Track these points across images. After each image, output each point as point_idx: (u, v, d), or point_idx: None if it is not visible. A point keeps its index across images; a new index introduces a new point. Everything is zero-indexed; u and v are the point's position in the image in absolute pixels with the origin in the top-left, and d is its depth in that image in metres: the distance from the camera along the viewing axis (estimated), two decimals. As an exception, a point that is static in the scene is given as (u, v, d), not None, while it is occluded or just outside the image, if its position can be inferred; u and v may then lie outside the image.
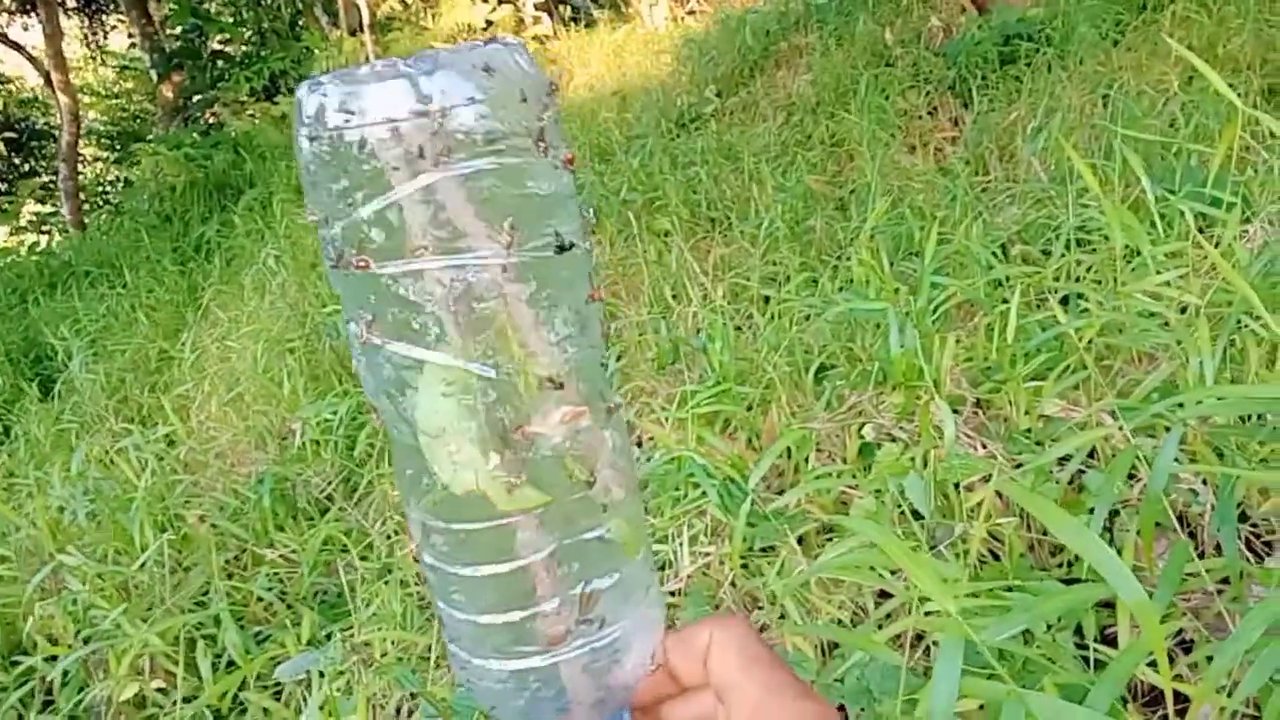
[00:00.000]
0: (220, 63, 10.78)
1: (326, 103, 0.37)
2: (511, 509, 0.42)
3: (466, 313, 0.38)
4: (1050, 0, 5.02)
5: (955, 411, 1.67)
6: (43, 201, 14.27)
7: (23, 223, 13.75)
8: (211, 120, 10.86)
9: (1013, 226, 2.59)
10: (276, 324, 3.49)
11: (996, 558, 1.55)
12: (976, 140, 3.99)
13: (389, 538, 2.14)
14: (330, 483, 2.44)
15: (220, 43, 11.23)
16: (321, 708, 1.11)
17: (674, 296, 3.15)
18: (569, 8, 11.01)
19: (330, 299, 3.58)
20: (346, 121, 0.37)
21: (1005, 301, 2.02)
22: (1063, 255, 1.94)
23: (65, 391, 4.02)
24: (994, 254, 2.22)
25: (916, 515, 1.55)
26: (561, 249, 0.40)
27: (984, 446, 1.65)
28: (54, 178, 13.00)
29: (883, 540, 0.65)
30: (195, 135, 9.12)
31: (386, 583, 1.89)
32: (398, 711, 1.52)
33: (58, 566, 1.86)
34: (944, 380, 1.57)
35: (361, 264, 0.38)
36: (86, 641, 1.68)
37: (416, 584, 1.82)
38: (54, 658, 1.76)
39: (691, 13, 10.24)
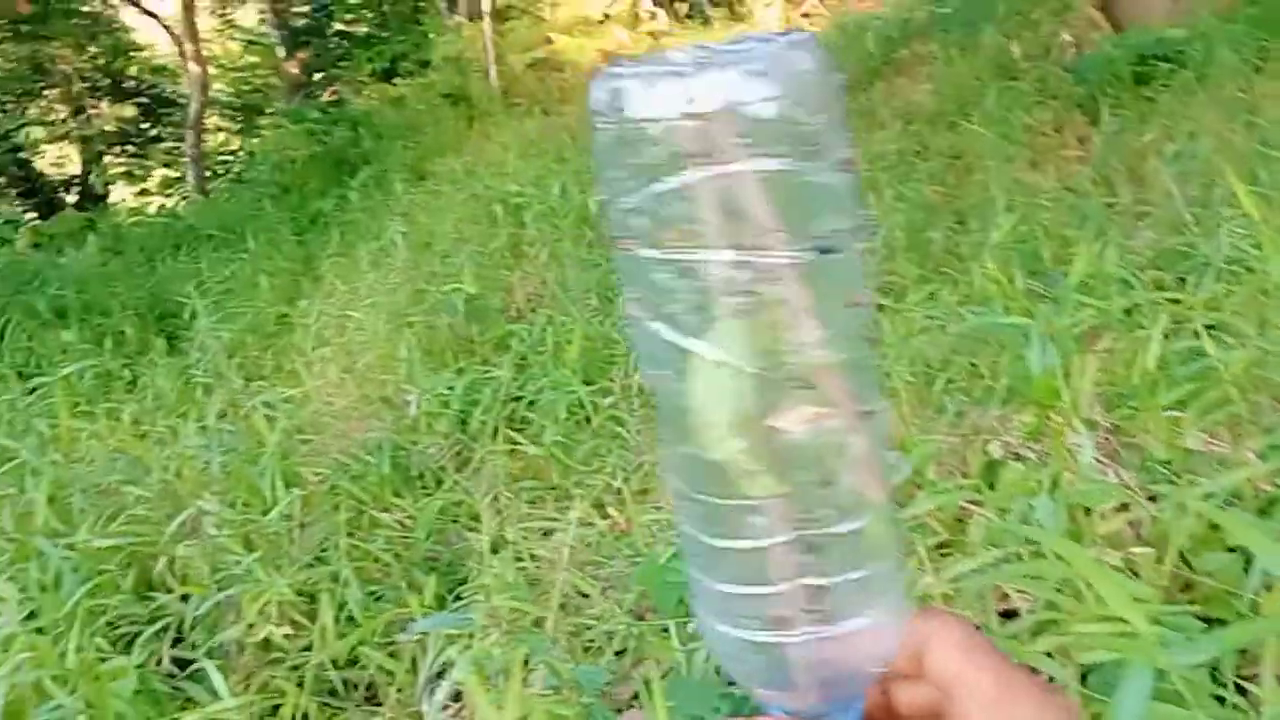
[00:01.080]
0: (344, 42, 11.11)
1: (603, 93, 0.39)
2: (750, 494, 0.44)
3: (715, 307, 0.40)
4: (1190, 21, 4.85)
5: (1087, 435, 1.64)
6: (168, 166, 14.89)
7: (149, 186, 14.37)
8: (331, 97, 11.20)
9: (1147, 251, 2.52)
10: (395, 298, 3.60)
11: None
12: (1104, 160, 3.88)
13: (499, 513, 2.19)
14: (444, 453, 2.51)
15: (345, 22, 11.57)
16: (473, 664, 1.15)
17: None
18: (685, 4, 11.03)
19: (445, 278, 3.67)
20: (619, 113, 0.39)
21: (1142, 326, 1.97)
22: (1217, 282, 1.88)
23: (189, 348, 4.21)
24: (1133, 276, 2.17)
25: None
26: (824, 252, 0.40)
27: (1116, 475, 1.61)
28: (179, 144, 13.57)
29: (1072, 554, 0.65)
30: (317, 111, 9.41)
31: (498, 554, 1.94)
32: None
33: (197, 512, 1.96)
34: (1081, 403, 1.54)
35: (626, 246, 0.40)
36: (220, 586, 1.77)
37: (531, 559, 1.86)
38: (185, 597, 1.85)
39: (806, 15, 10.17)
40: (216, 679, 1.22)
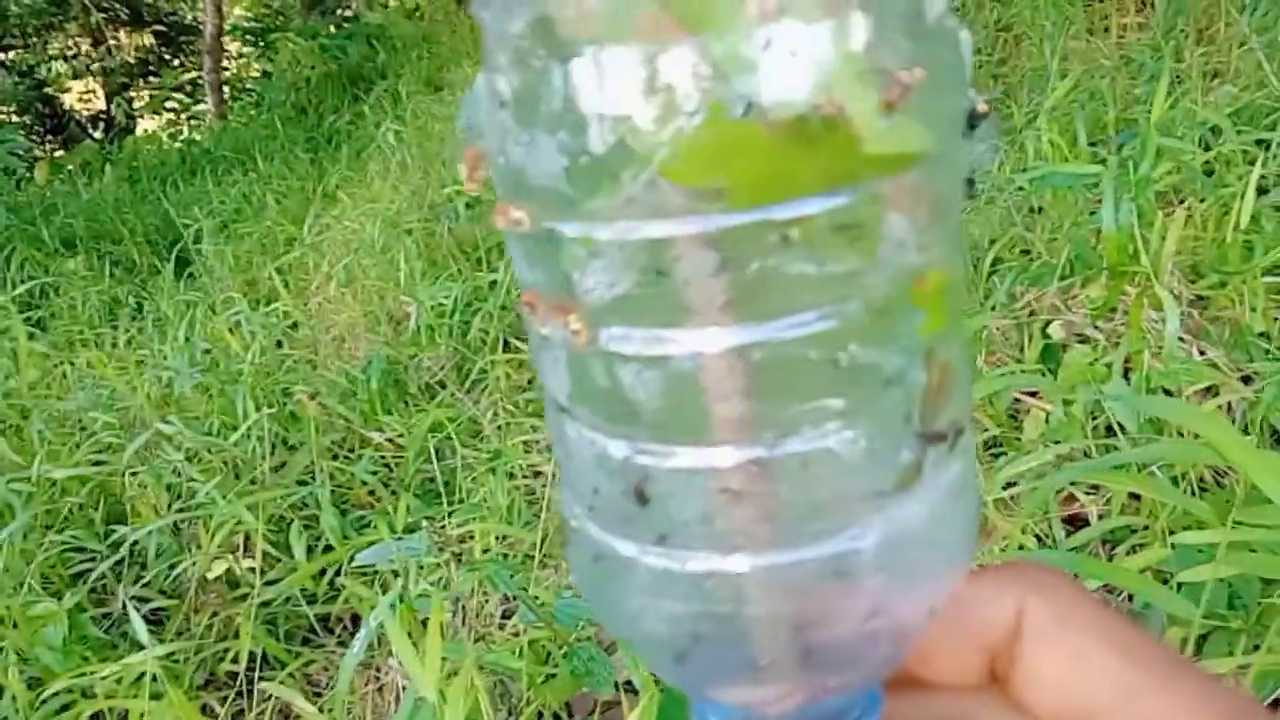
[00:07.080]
0: (357, -47, 10.70)
1: None
2: (880, 151, 0.19)
3: None
4: None
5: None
6: (188, 93, 14.66)
7: (171, 116, 14.17)
8: (347, 13, 10.86)
9: (1225, 107, 2.21)
10: (395, 206, 3.38)
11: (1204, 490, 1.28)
12: (1169, 24, 3.50)
13: (499, 428, 2.00)
14: (443, 367, 2.32)
15: (358, -67, 11.14)
16: (401, 600, 0.96)
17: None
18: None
19: (453, 179, 3.44)
20: None
21: (1226, 186, 1.69)
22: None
23: (198, 272, 4.05)
24: (1211, 131, 1.87)
25: (1110, 431, 1.29)
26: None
27: (1201, 353, 1.36)
28: (199, 72, 13.32)
29: (1223, 435, 0.43)
30: (331, 27, 9.11)
31: (494, 473, 1.75)
32: (504, 615, 1.38)
33: (155, 435, 1.79)
34: (1163, 269, 1.29)
35: None
36: (178, 513, 1.60)
37: (524, 477, 1.67)
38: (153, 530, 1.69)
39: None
40: (138, 624, 1.05)
